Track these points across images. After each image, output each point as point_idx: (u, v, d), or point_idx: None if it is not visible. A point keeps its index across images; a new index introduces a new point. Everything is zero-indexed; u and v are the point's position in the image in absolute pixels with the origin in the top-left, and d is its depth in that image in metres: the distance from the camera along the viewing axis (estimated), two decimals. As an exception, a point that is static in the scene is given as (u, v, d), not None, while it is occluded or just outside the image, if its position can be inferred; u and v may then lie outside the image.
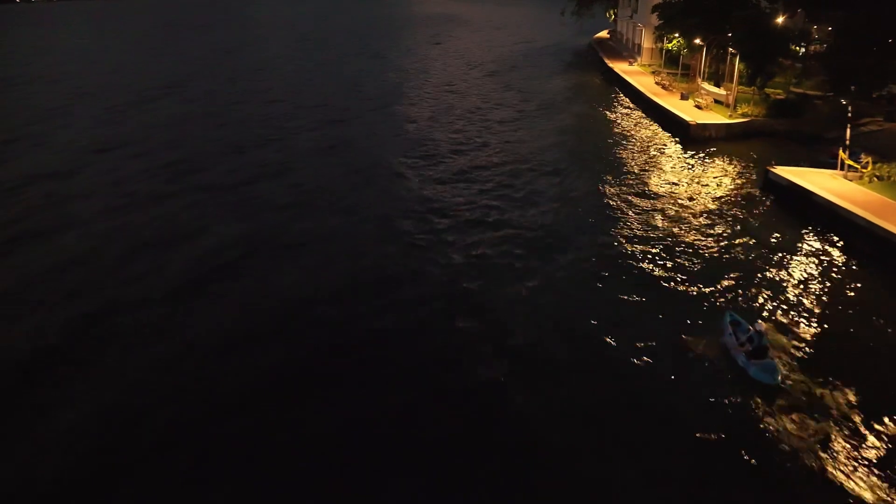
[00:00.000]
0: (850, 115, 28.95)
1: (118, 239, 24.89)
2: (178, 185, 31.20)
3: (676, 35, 47.46)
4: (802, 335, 17.68)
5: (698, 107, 41.82)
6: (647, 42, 62.48)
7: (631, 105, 48.72)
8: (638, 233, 25.37)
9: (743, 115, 39.51)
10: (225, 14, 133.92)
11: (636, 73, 56.82)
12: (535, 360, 16.78)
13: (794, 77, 47.35)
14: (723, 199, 29.01)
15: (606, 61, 64.70)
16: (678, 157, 35.10)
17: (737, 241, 24.63)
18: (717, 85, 46.50)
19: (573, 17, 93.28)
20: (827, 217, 25.47)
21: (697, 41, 43.34)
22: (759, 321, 16.75)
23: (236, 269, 22.27)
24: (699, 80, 46.90)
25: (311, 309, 19.37)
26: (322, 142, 38.91)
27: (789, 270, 22.25)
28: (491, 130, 40.92)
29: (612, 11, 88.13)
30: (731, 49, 39.54)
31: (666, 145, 37.37)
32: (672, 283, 20.89)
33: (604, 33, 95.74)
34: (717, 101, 41.95)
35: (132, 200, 29.17)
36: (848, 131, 28.72)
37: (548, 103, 49.82)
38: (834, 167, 33.40)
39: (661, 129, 40.99)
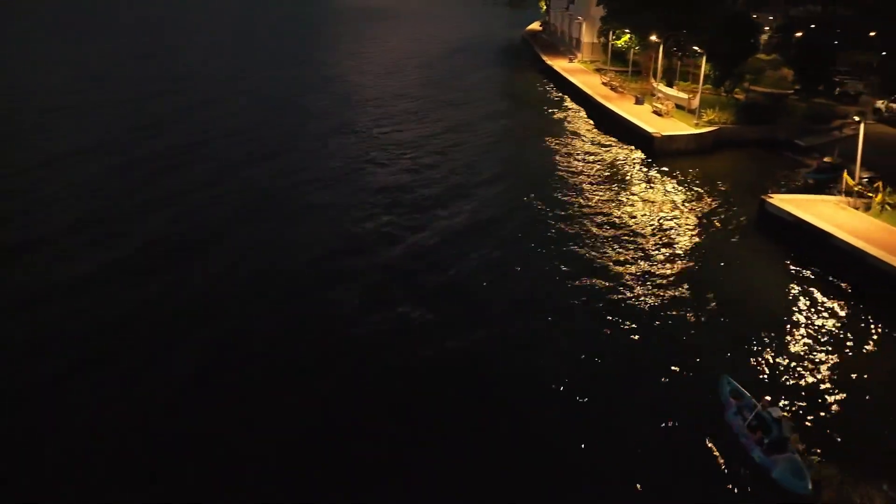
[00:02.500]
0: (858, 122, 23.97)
1: None
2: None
3: (626, 31, 42.13)
4: (821, 413, 14.16)
5: (657, 113, 36.60)
6: (587, 37, 57.28)
7: (578, 110, 43.07)
8: (608, 280, 20.19)
9: (710, 123, 34.51)
10: (129, 12, 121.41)
11: (579, 72, 51.44)
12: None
13: (751, 74, 42.98)
14: (709, 235, 23.73)
15: (544, 58, 59.12)
16: (644, 179, 29.59)
17: (731, 287, 19.87)
18: (670, 85, 41.59)
19: (505, 7, 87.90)
20: (843, 260, 20.43)
21: (653, 38, 37.99)
22: (769, 401, 13.42)
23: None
24: (653, 80, 41.77)
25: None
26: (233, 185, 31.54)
27: (799, 325, 17.90)
28: (415, 145, 34.47)
29: (544, 2, 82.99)
30: (696, 48, 34.35)
31: (627, 163, 31.81)
32: (657, 340, 17.06)
33: (535, 25, 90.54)
34: (678, 106, 36.85)
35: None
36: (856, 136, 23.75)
37: (481, 116, 43.56)
38: (821, 182, 29.01)
39: (617, 142, 35.47)
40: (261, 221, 24.77)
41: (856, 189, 23.09)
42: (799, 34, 50.17)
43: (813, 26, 56.66)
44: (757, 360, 16.28)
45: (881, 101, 38.24)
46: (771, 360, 16.28)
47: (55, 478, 12.62)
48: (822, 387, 15.29)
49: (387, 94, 48.70)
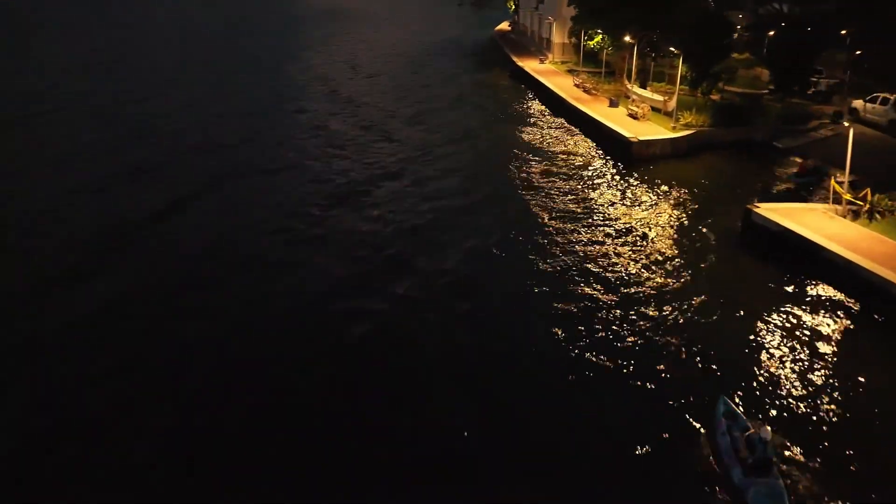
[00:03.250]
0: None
1: None
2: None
3: (599, 31, 40.89)
4: (813, 438, 13.30)
5: (632, 116, 35.42)
6: (558, 37, 56.11)
7: (551, 114, 41.77)
8: (584, 296, 18.78)
9: (687, 126, 33.42)
10: (93, 13, 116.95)
11: (550, 74, 50.20)
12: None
13: (725, 74, 42.10)
14: (694, 246, 22.51)
15: (515, 59, 57.79)
16: (622, 186, 28.30)
17: (720, 304, 18.54)
18: (643, 86, 40.52)
19: (471, 8, 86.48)
20: (836, 273, 19.33)
21: (627, 38, 36.78)
22: (763, 424, 12.78)
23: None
24: (626, 82, 40.63)
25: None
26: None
27: (791, 341, 16.81)
28: (379, 153, 32.73)
29: (512, 1, 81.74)
30: (673, 49, 33.20)
31: (603, 169, 30.51)
32: (648, 358, 15.92)
33: (504, 25, 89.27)
34: (653, 109, 35.70)
35: None
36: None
37: (450, 120, 41.98)
38: (803, 186, 28.14)
39: (593, 145, 34.21)
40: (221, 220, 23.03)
41: (845, 197, 22.02)
42: (771, 32, 49.62)
43: (784, 24, 56.41)
44: (748, 379, 15.24)
45: (858, 101, 37.62)
46: (763, 380, 15.21)
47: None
48: (815, 407, 14.33)
49: (350, 99, 46.83)
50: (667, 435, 13.37)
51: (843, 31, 45.73)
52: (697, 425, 13.66)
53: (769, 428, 12.39)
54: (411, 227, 23.95)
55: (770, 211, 22.04)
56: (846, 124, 21.56)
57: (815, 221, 21.53)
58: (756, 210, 22.21)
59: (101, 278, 20.01)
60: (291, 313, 18.16)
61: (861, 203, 21.90)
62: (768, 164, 32.32)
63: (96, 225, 24.04)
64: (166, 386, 15.07)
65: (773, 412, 14.16)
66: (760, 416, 13.91)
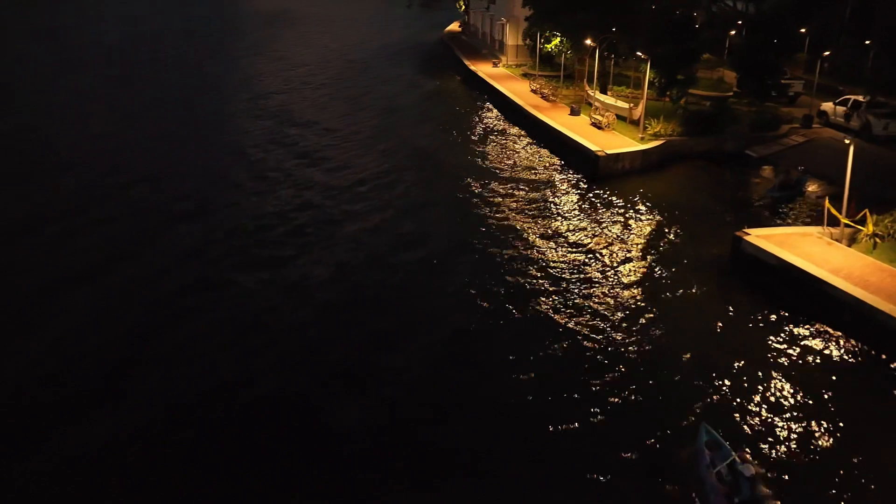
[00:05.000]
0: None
1: None
2: None
3: (557, 34, 38.11)
4: (804, 480, 12.29)
5: (596, 125, 32.73)
6: (511, 39, 53.30)
7: (506, 123, 38.77)
8: (554, 331, 16.51)
9: (656, 136, 30.89)
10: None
11: (505, 78, 47.29)
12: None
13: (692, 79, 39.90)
14: (676, 275, 20.03)
15: (466, 63, 54.72)
16: (589, 206, 25.46)
17: (710, 340, 16.78)
18: (603, 91, 37.98)
19: (420, 8, 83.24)
20: (845, 313, 16.87)
21: (588, 42, 34.01)
22: (747, 456, 12.04)
23: None
24: (587, 87, 37.97)
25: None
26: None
27: (786, 379, 15.24)
28: (318, 171, 29.18)
29: (462, 2, 78.77)
30: (640, 54, 30.54)
31: (568, 188, 27.61)
32: (626, 389, 14.85)
33: (455, 26, 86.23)
34: (618, 117, 33.08)
35: None
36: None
37: (397, 131, 38.64)
38: (784, 200, 25.98)
39: (555, 160, 31.30)
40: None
41: (843, 221, 19.60)
42: (732, 32, 47.91)
43: (741, 23, 54.89)
44: (734, 406, 14.15)
45: (827, 104, 35.83)
46: (757, 423, 13.75)
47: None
48: (813, 455, 12.94)
49: (290, 109, 43.02)
50: (646, 465, 12.63)
51: (803, 30, 44.23)
52: (677, 454, 12.85)
53: (755, 464, 11.88)
54: (353, 266, 20.59)
55: (762, 239, 19.42)
56: (847, 141, 19.10)
57: (813, 250, 19.01)
58: (746, 238, 19.58)
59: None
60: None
61: (860, 227, 19.51)
62: (743, 175, 30.06)
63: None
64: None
65: (753, 438, 13.23)
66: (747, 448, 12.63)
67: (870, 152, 30.30)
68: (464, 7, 78.25)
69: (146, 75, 55.14)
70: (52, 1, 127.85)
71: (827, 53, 37.94)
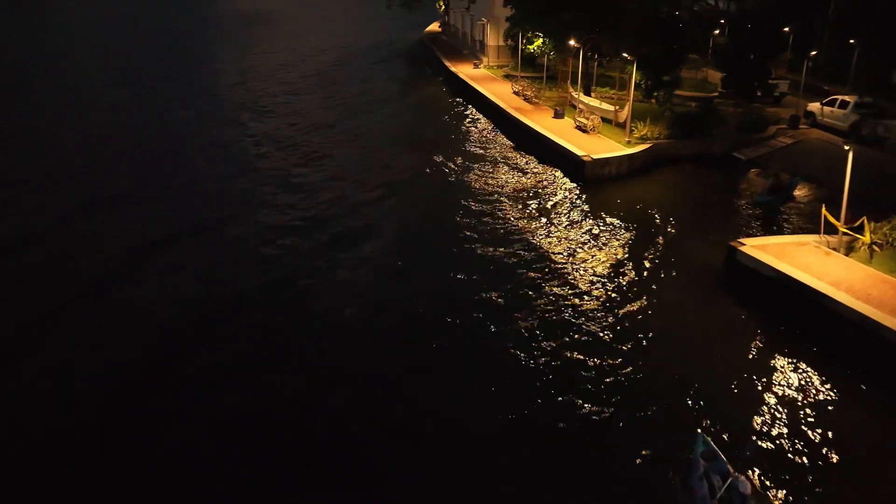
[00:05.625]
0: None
1: None
2: None
3: (540, 35, 37.11)
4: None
5: (581, 129, 31.80)
6: (492, 39, 52.27)
7: (488, 127, 37.73)
8: (546, 346, 15.51)
9: (642, 139, 30.04)
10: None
11: (487, 80, 46.27)
12: None
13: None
14: (669, 286, 19.34)
15: (447, 64, 53.62)
16: (577, 215, 24.49)
17: (705, 353, 16.17)
18: (587, 92, 37.08)
19: (400, 9, 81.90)
20: (846, 327, 16.06)
21: (572, 43, 33.03)
22: (740, 474, 11.64)
23: None
24: (571, 89, 37.04)
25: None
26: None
27: (786, 397, 14.59)
28: (297, 179, 27.94)
29: (442, 2, 77.59)
30: (626, 55, 29.62)
31: (554, 195, 26.64)
32: (622, 399, 14.53)
33: (435, 26, 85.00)
34: (603, 120, 32.17)
35: None
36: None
37: (377, 136, 37.50)
38: (774, 204, 25.25)
39: (539, 165, 30.28)
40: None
41: (841, 229, 18.81)
42: (716, 31, 47.35)
43: (723, 21, 54.40)
44: (734, 434, 13.39)
45: (814, 104, 35.25)
46: (754, 441, 13.21)
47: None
48: (812, 476, 12.38)
49: (269, 113, 41.65)
50: (638, 474, 12.40)
51: (786, 29, 43.74)
52: (671, 464, 12.52)
53: (748, 482, 11.40)
54: (333, 278, 19.42)
55: (758, 250, 18.57)
56: (846, 147, 18.24)
57: (811, 261, 18.19)
58: (742, 249, 18.71)
59: None
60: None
61: (859, 236, 18.74)
62: (732, 178, 29.31)
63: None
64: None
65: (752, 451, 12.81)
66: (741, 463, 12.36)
67: (859, 154, 29.72)
68: (443, 7, 77.09)
69: (131, 88, 53.32)
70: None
71: (814, 53, 37.27)
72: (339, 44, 76.05)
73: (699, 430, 12.74)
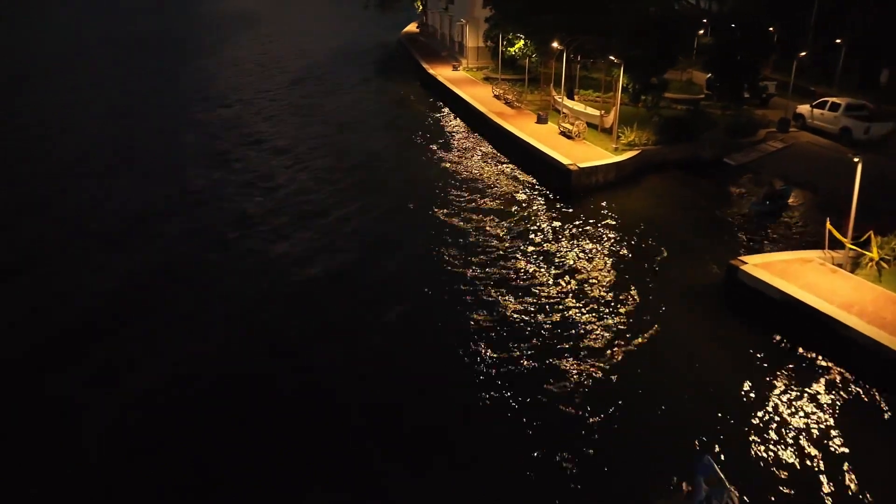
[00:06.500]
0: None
1: None
2: None
3: (521, 36, 35.67)
4: None
5: (565, 134, 30.43)
6: (471, 40, 50.80)
7: (468, 133, 36.21)
8: (538, 360, 14.25)
9: (630, 146, 28.73)
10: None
11: (466, 83, 44.75)
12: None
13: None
14: (665, 305, 18.00)
15: (425, 66, 52.03)
16: (563, 227, 23.07)
17: (705, 379, 15.06)
18: (570, 95, 35.77)
19: (377, 10, 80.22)
20: (856, 352, 14.84)
21: (555, 45, 31.60)
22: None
23: None
24: (554, 92, 35.66)
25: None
26: None
27: (794, 428, 13.49)
28: (270, 189, 26.20)
29: (419, 2, 75.97)
30: (613, 58, 28.26)
31: (538, 205, 25.20)
32: (619, 427, 13.70)
33: (413, 27, 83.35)
34: (588, 125, 30.83)
35: None
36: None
37: (353, 143, 35.88)
38: (769, 213, 24.13)
39: (523, 174, 28.86)
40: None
41: (848, 245, 17.58)
42: (701, 31, 46.30)
43: (704, 21, 53.47)
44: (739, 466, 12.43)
45: (804, 106, 34.21)
46: (760, 474, 12.29)
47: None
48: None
49: (236, 124, 39.77)
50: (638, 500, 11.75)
51: (771, 28, 42.80)
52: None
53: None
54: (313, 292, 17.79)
55: (762, 269, 17.27)
56: (855, 159, 16.96)
57: (818, 280, 16.94)
58: (744, 268, 17.40)
59: None
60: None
61: (866, 252, 17.53)
62: (723, 185, 28.12)
63: None
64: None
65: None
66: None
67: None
68: (421, 7, 75.49)
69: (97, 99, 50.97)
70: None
71: (803, 54, 36.26)
72: (314, 48, 73.96)
73: (704, 454, 11.87)
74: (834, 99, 32.90)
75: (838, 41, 40.44)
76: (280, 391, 14.82)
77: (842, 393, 14.38)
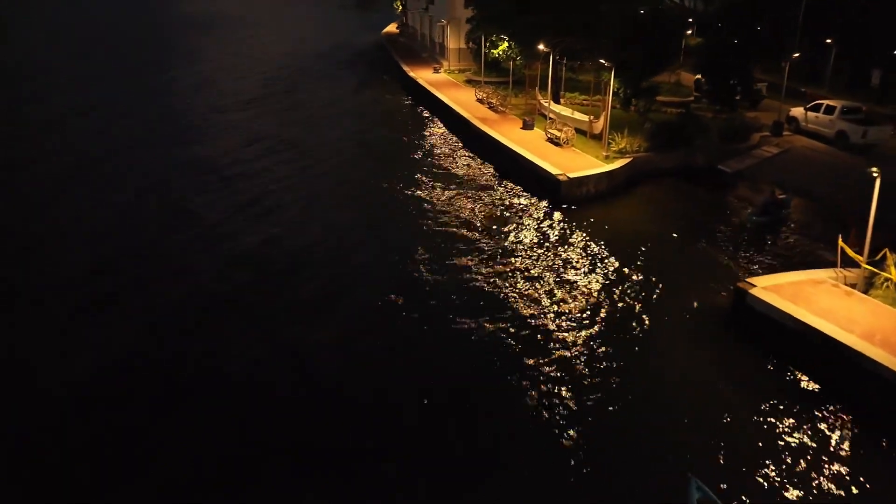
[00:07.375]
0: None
1: None
2: None
3: (505, 38, 34.17)
4: None
5: (553, 141, 28.98)
6: (453, 42, 49.26)
7: (450, 140, 34.56)
8: (531, 381, 12.85)
9: (621, 153, 27.34)
10: None
11: (447, 86, 43.18)
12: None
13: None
14: (666, 327, 16.69)
15: (406, 68, 50.38)
16: (554, 242, 21.62)
17: (712, 414, 13.71)
18: (556, 98, 34.35)
19: (354, 10, 78.43)
20: (876, 383, 13.51)
21: (541, 47, 30.07)
22: None
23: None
24: (539, 96, 34.19)
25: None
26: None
27: (812, 467, 12.30)
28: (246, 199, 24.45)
29: (399, 2, 74.29)
30: (603, 61, 26.78)
31: (526, 219, 23.70)
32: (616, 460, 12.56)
33: (392, 27, 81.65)
34: (577, 131, 29.39)
35: None
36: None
37: (332, 152, 34.11)
38: (768, 225, 22.89)
39: (509, 184, 27.28)
40: None
41: (863, 265, 16.27)
42: (689, 32, 45.15)
43: (690, 20, 52.36)
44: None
45: (797, 109, 33.07)
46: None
47: None
48: None
49: (209, 131, 37.85)
50: None
51: (758, 28, 41.74)
52: None
53: None
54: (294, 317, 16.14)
55: (771, 293, 15.88)
56: (874, 174, 15.62)
57: (833, 304, 15.59)
58: (752, 292, 16.01)
59: None
60: None
61: (883, 273, 16.20)
62: (718, 194, 26.84)
63: None
64: None
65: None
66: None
67: (850, 164, 27.62)
68: (401, 8, 73.81)
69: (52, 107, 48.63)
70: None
71: (796, 55, 35.11)
72: (290, 50, 71.83)
73: (692, 477, 11.26)
74: (829, 102, 31.78)
75: (828, 41, 39.47)
76: (280, 391, 14.45)
77: (858, 432, 13.03)
